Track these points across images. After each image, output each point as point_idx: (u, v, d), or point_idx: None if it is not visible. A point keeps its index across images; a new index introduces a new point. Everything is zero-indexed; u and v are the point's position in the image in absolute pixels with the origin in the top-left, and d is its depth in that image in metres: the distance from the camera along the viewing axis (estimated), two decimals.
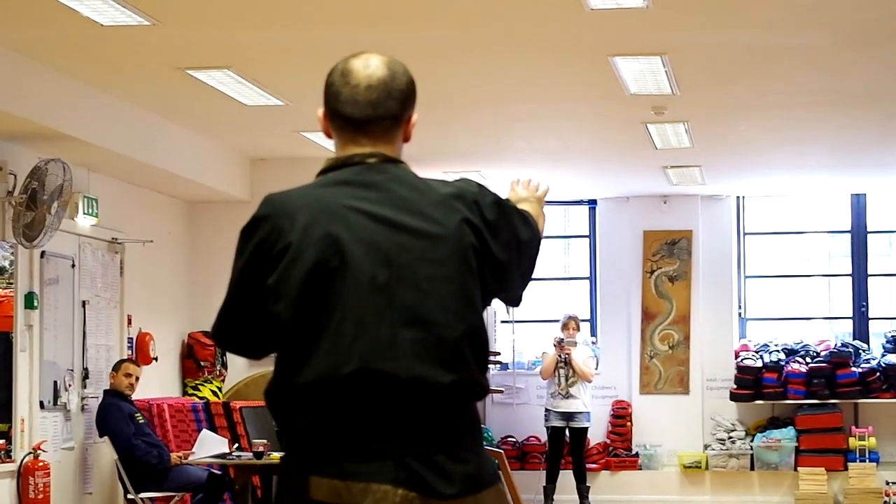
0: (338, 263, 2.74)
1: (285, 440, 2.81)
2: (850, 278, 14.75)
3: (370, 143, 2.87)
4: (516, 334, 15.28)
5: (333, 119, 2.91)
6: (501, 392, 14.14)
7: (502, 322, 14.71)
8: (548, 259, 15.59)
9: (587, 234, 15.02)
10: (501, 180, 13.38)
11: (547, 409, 13.21)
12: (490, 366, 14.48)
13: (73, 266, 10.31)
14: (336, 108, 2.89)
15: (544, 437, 13.58)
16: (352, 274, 2.74)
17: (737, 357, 14.14)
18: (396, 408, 2.71)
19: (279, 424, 2.81)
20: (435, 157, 12.22)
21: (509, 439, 14.28)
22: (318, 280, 2.74)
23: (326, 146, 11.45)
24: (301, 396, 2.73)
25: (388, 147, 2.87)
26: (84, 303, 10.45)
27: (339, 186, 2.83)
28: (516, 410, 14.37)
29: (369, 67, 2.88)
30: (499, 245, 2.87)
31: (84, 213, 10.29)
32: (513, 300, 3.06)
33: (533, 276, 3.07)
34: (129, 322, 11.14)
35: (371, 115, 2.86)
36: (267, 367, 13.07)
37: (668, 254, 14.37)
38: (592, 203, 14.81)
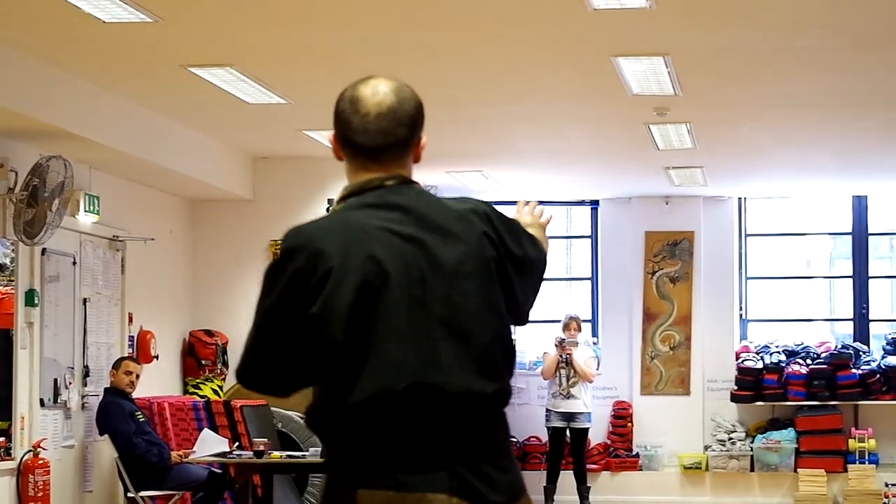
0: (380, 283, 2.80)
1: (331, 455, 2.85)
2: (850, 280, 14.75)
3: (383, 169, 2.93)
4: (517, 335, 15.28)
5: (345, 146, 2.97)
6: None
7: None
8: (550, 259, 15.60)
9: (589, 234, 15.01)
10: (504, 180, 13.38)
11: (548, 410, 13.21)
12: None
13: (74, 263, 10.31)
14: (347, 136, 2.94)
15: (545, 438, 13.58)
16: (392, 292, 2.80)
17: (737, 358, 14.14)
18: (446, 419, 2.79)
19: (325, 442, 2.86)
20: (438, 157, 12.20)
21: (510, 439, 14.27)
22: (365, 300, 2.79)
23: (329, 145, 11.44)
24: (352, 414, 2.79)
25: (400, 170, 2.95)
26: (85, 300, 10.45)
27: (365, 209, 2.90)
28: (517, 410, 14.35)
29: (378, 95, 2.92)
30: (513, 253, 2.97)
31: (85, 211, 10.29)
32: (520, 317, 3.10)
33: (536, 297, 3.12)
34: (130, 320, 11.14)
35: (382, 143, 2.92)
36: None
37: (670, 255, 14.36)
38: (594, 204, 14.81)
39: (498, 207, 3.03)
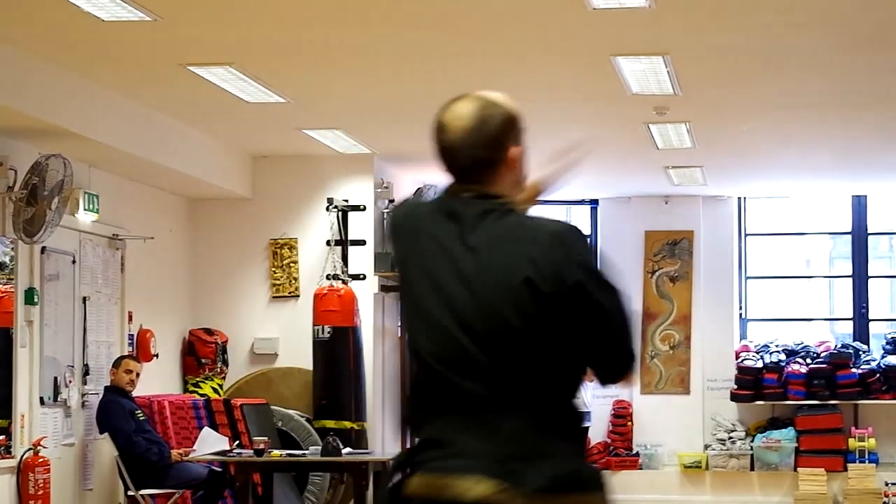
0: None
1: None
2: (850, 280, 14.75)
3: (472, 187, 3.10)
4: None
5: (440, 167, 3.16)
6: None
7: None
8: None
9: (589, 234, 15.01)
10: None
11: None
12: None
13: (74, 262, 10.31)
14: (439, 159, 3.14)
15: None
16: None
17: (737, 357, 14.14)
18: None
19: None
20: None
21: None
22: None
23: (329, 144, 11.46)
24: None
25: (490, 186, 3.08)
26: (84, 299, 10.45)
27: (433, 211, 3.14)
28: None
29: (461, 119, 3.08)
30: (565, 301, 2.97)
31: (85, 210, 10.29)
32: (604, 376, 3.07)
33: (631, 352, 3.05)
34: (130, 318, 11.14)
35: (468, 166, 3.09)
36: (268, 365, 12.97)
37: (670, 254, 14.36)
38: (594, 203, 14.81)
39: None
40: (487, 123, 3.05)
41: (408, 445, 3.31)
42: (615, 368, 3.04)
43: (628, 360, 3.03)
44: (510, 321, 2.94)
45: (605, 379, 3.06)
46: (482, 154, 3.05)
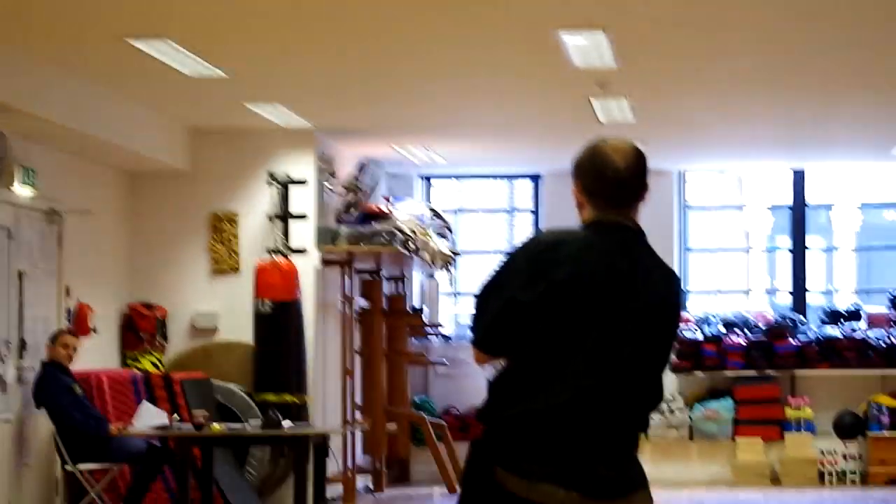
0: None
1: None
2: (789, 252, 14.89)
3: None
4: (459, 306, 15.30)
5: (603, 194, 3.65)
6: (444, 363, 14.16)
7: (444, 294, 14.72)
8: (491, 232, 15.62)
9: (531, 207, 15.04)
10: (447, 154, 13.36)
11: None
12: (432, 338, 14.49)
13: (10, 237, 10.19)
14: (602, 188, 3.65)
15: None
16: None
17: None
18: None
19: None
20: (382, 130, 12.17)
21: (452, 410, 14.32)
22: None
23: (270, 118, 11.38)
24: None
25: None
26: (21, 273, 10.34)
27: None
28: (458, 382, 14.39)
29: (627, 154, 3.65)
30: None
31: (21, 184, 10.16)
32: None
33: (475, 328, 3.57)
34: (68, 293, 11.03)
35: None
36: (208, 340, 12.91)
37: None
38: (537, 177, 14.83)
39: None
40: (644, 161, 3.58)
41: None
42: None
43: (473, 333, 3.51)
44: None
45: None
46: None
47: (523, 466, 3.37)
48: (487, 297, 3.43)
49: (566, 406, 3.35)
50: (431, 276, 14.17)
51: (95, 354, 11.30)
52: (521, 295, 3.36)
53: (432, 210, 13.68)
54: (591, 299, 3.37)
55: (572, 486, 3.34)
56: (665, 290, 3.50)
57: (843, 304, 14.67)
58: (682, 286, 3.50)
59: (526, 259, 3.41)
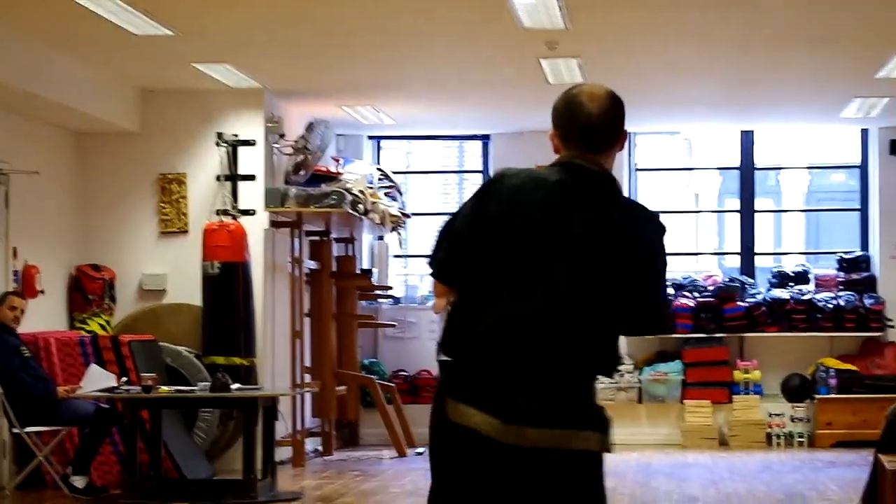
0: None
1: None
2: (737, 214, 14.96)
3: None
4: (408, 269, 15.29)
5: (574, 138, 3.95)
6: (393, 326, 14.16)
7: (394, 256, 14.70)
8: (440, 193, 15.60)
9: (481, 169, 15.03)
10: (396, 115, 13.31)
11: (438, 344, 13.24)
12: (382, 300, 14.48)
13: None
14: (573, 133, 3.94)
15: (436, 371, 13.62)
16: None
17: None
18: None
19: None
20: (331, 91, 12.11)
21: (401, 373, 14.33)
22: None
23: (219, 78, 11.29)
24: None
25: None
26: None
27: None
28: (408, 345, 14.40)
29: (599, 100, 3.90)
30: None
31: None
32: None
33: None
34: (15, 254, 10.93)
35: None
36: (156, 302, 12.82)
37: None
38: (486, 138, 14.82)
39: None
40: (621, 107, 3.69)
41: None
42: None
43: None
44: None
45: None
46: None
47: (459, 392, 3.46)
48: (444, 231, 3.60)
49: (488, 333, 3.43)
50: (381, 237, 14.15)
51: (43, 316, 11.21)
52: (462, 229, 3.53)
53: (381, 171, 13.65)
54: (520, 234, 3.47)
55: (492, 412, 3.37)
56: (626, 229, 3.49)
57: (791, 266, 14.77)
58: (663, 233, 3.52)
59: (475, 194, 3.61)
